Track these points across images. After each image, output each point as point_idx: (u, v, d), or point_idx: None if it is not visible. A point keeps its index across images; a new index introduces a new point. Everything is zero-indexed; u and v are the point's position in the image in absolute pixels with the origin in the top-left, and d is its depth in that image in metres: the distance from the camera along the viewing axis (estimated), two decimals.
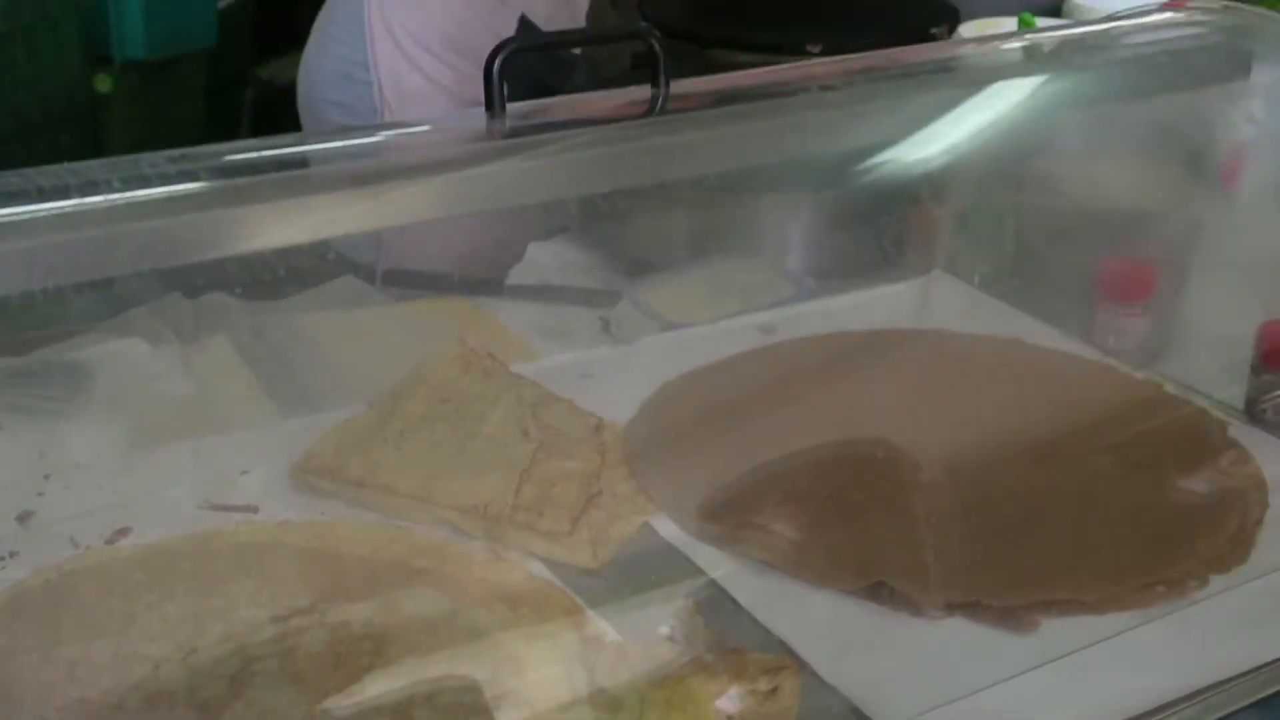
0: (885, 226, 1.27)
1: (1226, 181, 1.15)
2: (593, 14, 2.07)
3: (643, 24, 0.81)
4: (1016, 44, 1.09)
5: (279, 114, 3.55)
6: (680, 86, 0.84)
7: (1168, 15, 1.02)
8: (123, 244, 0.61)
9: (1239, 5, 1.00)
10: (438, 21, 1.79)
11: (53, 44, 3.17)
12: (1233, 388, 1.08)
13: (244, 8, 4.08)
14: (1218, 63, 0.99)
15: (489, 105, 0.78)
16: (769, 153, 0.81)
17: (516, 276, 1.30)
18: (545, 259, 1.32)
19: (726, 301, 1.26)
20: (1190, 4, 1.02)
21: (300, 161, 0.72)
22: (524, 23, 1.84)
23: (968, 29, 1.79)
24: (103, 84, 3.31)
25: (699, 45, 1.87)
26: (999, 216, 1.26)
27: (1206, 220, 1.18)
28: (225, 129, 3.98)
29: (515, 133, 0.76)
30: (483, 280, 1.29)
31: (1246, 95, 1.00)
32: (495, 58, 0.77)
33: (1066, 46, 1.02)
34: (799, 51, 1.81)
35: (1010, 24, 1.80)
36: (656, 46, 0.81)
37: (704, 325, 1.20)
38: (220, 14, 3.76)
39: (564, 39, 0.84)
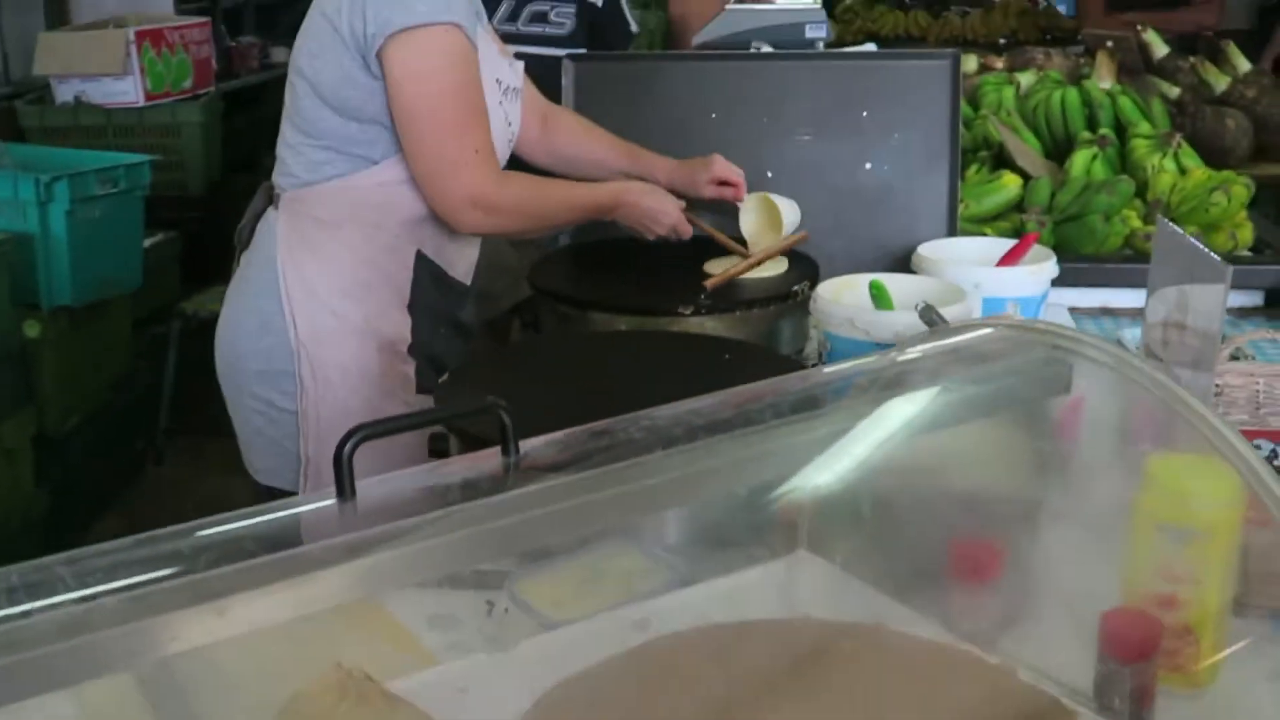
0: (752, 509, 1.24)
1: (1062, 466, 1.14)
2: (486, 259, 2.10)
3: (489, 398, 0.77)
4: (870, 368, 1.07)
5: (204, 346, 3.52)
6: (532, 449, 0.80)
7: (996, 333, 1.01)
8: None
9: (1058, 328, 1.00)
10: (346, 266, 1.81)
11: None
12: (1085, 672, 1.04)
13: (170, 243, 4.06)
14: (1044, 380, 0.98)
15: (340, 491, 0.73)
16: (618, 517, 0.77)
17: None
18: None
19: (602, 592, 1.21)
20: (1012, 323, 1.02)
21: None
22: (420, 257, 1.85)
23: (825, 287, 1.80)
24: (31, 329, 3.25)
25: (580, 309, 1.86)
26: (857, 500, 1.23)
27: (1050, 504, 1.16)
28: (153, 361, 3.92)
29: (365, 520, 0.71)
30: None
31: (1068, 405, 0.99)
32: (346, 443, 0.73)
33: (914, 369, 1.00)
34: (672, 313, 1.80)
35: (865, 280, 1.82)
36: (505, 419, 0.77)
37: (580, 623, 1.15)
38: (146, 251, 3.74)
39: (415, 421, 0.79)
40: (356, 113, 1.76)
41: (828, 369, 1.08)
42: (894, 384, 1.03)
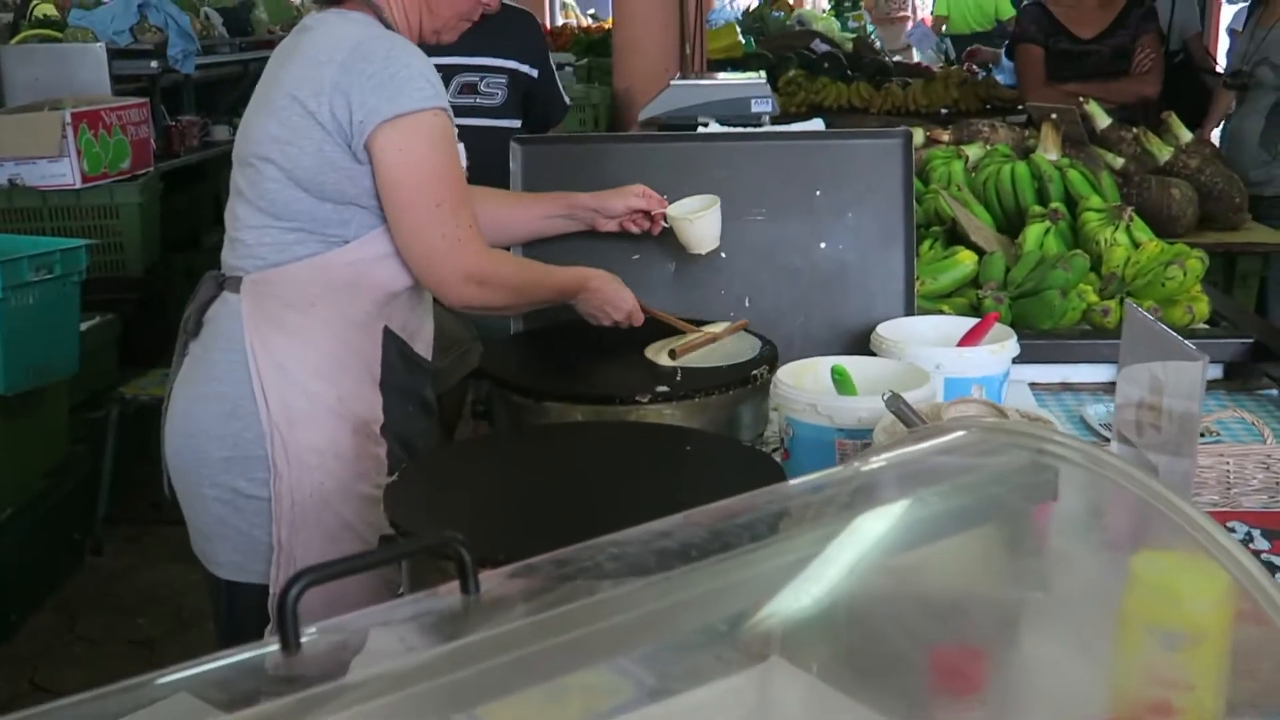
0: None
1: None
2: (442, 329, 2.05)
3: (446, 534, 0.71)
4: (845, 478, 1.01)
5: (144, 429, 3.41)
6: (492, 584, 0.73)
7: (975, 436, 0.96)
8: None
9: (1041, 430, 0.95)
10: (318, 344, 1.78)
11: None
12: None
13: (108, 326, 3.97)
14: (1030, 488, 0.93)
15: (284, 643, 0.67)
16: (586, 657, 0.70)
17: None
18: None
19: (566, 712, 1.14)
20: (991, 426, 0.97)
21: None
22: (388, 333, 1.83)
23: (786, 372, 1.76)
24: None
25: (535, 399, 1.81)
26: (834, 606, 1.17)
27: (1033, 609, 1.11)
28: (90, 447, 3.80)
29: (313, 673, 0.64)
30: None
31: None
32: (288, 591, 0.66)
33: (892, 479, 0.95)
34: (630, 401, 1.75)
35: (825, 364, 1.77)
36: (465, 555, 0.71)
37: None
38: (83, 334, 3.64)
39: (369, 562, 0.73)
40: (335, 196, 1.74)
41: (803, 480, 1.03)
42: (871, 497, 0.98)
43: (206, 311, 1.83)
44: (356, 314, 1.79)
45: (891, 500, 1.05)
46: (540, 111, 3.35)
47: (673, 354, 1.91)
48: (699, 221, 2.06)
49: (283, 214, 1.75)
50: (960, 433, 1.01)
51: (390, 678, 0.66)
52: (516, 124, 3.39)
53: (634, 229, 2.10)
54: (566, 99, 3.47)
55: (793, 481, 1.19)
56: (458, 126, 1.82)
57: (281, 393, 1.76)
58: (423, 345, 1.92)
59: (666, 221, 2.08)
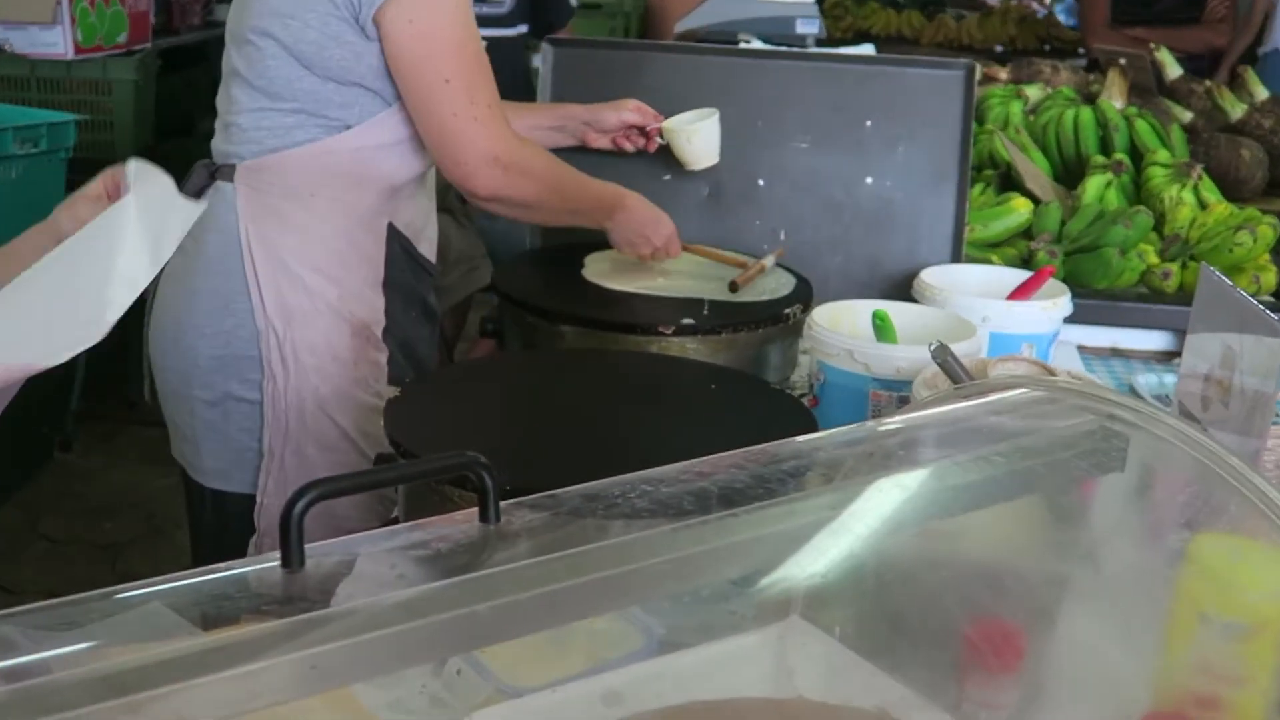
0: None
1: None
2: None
3: (468, 453, 0.69)
4: (895, 431, 0.98)
5: (125, 321, 3.39)
6: (513, 515, 0.71)
7: (1033, 395, 0.93)
8: None
9: (1111, 394, 0.92)
10: (318, 238, 1.76)
11: None
12: None
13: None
14: (1095, 455, 0.90)
15: (286, 560, 0.64)
16: (611, 600, 0.68)
17: None
18: None
19: (568, 657, 1.12)
20: (1055, 385, 0.94)
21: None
22: (392, 230, 1.81)
23: (821, 313, 1.73)
24: None
25: (550, 321, 1.78)
26: (862, 565, 1.15)
27: (1078, 585, 1.08)
28: None
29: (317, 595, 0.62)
30: None
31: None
32: (295, 504, 0.64)
33: (943, 435, 0.92)
34: (652, 332, 1.73)
35: (864, 307, 1.74)
36: (487, 480, 0.68)
37: (542, 693, 1.06)
38: None
39: (379, 479, 0.70)
40: (340, 74, 1.71)
41: (840, 431, 1.00)
42: (914, 454, 0.96)
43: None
44: (359, 207, 1.77)
45: (936, 459, 1.02)
46: (548, 18, 3.33)
47: (733, 286, 1.87)
48: (696, 135, 2.03)
49: (283, 93, 1.72)
50: (1018, 391, 0.98)
51: (395, 606, 0.64)
52: (524, 30, 3.36)
53: (628, 146, 2.08)
54: (573, 1, 3.45)
55: (830, 431, 1.16)
56: None
57: (278, 288, 1.74)
58: (426, 245, 1.89)
59: (662, 137, 2.05)
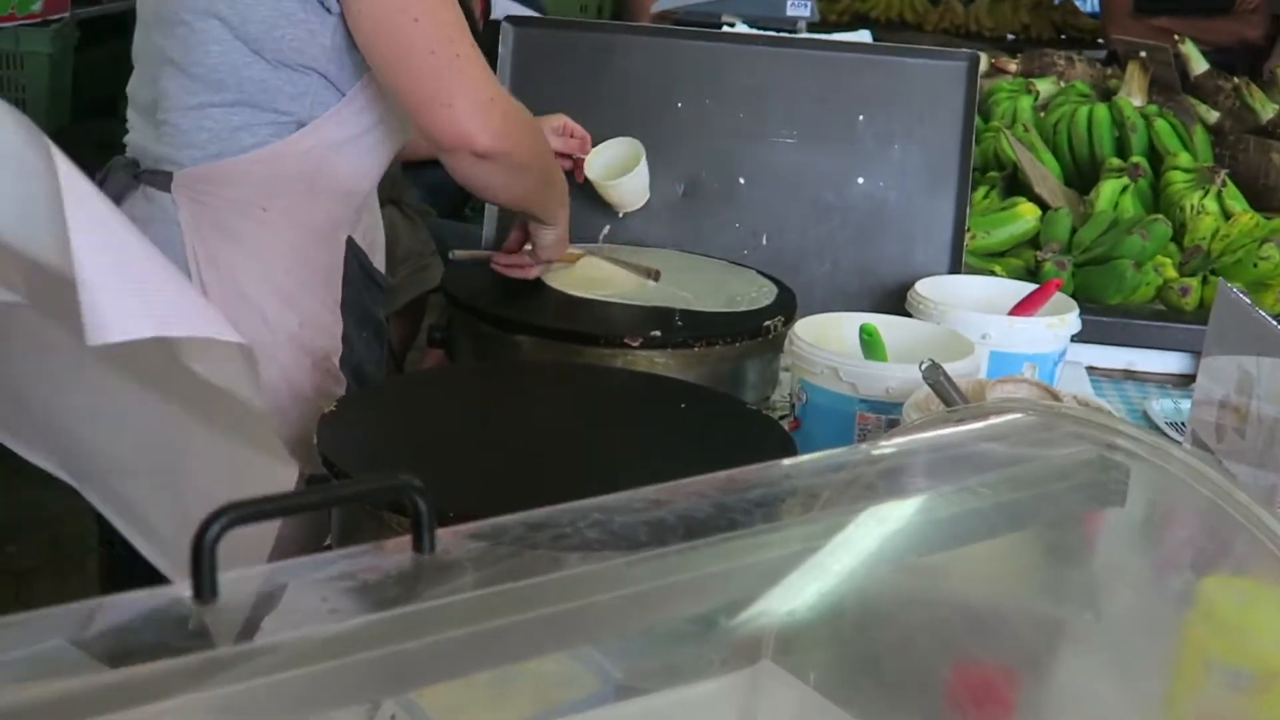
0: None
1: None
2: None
3: (402, 476, 0.70)
4: (876, 457, 1.00)
5: None
6: (449, 544, 0.72)
7: (1029, 421, 0.95)
8: None
9: (1113, 421, 0.94)
10: (276, 259, 1.72)
11: None
12: None
13: None
14: (1092, 488, 0.92)
15: (197, 589, 0.65)
16: (556, 639, 0.69)
17: None
18: None
19: (516, 701, 1.13)
20: (1051, 410, 0.96)
21: None
22: (351, 245, 1.80)
23: (804, 326, 1.74)
24: None
25: (505, 331, 1.79)
26: (838, 606, 1.16)
27: (1074, 628, 1.10)
28: None
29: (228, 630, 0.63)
30: None
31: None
32: (207, 530, 0.64)
33: (929, 462, 0.94)
34: (617, 344, 1.74)
35: (852, 321, 1.76)
36: (422, 505, 0.69)
37: None
38: None
39: (302, 502, 0.72)
40: (293, 58, 1.68)
41: (820, 456, 1.01)
42: (898, 483, 0.97)
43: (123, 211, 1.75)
44: (316, 219, 1.75)
45: (922, 489, 1.03)
46: None
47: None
48: (615, 190, 2.06)
49: (227, 83, 1.69)
50: (1013, 416, 1.00)
51: (319, 642, 0.65)
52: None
53: None
54: None
55: (808, 456, 1.18)
56: None
57: (234, 320, 1.67)
58: (379, 258, 1.89)
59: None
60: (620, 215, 2.12)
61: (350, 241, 1.79)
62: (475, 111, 1.67)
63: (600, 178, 2.06)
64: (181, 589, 0.67)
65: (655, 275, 1.94)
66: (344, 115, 1.73)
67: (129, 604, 0.69)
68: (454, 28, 1.69)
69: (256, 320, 1.70)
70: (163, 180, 1.72)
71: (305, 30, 1.68)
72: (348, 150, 1.75)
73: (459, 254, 2.04)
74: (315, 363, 1.75)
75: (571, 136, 2.06)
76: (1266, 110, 3.21)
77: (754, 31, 3.04)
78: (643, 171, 2.07)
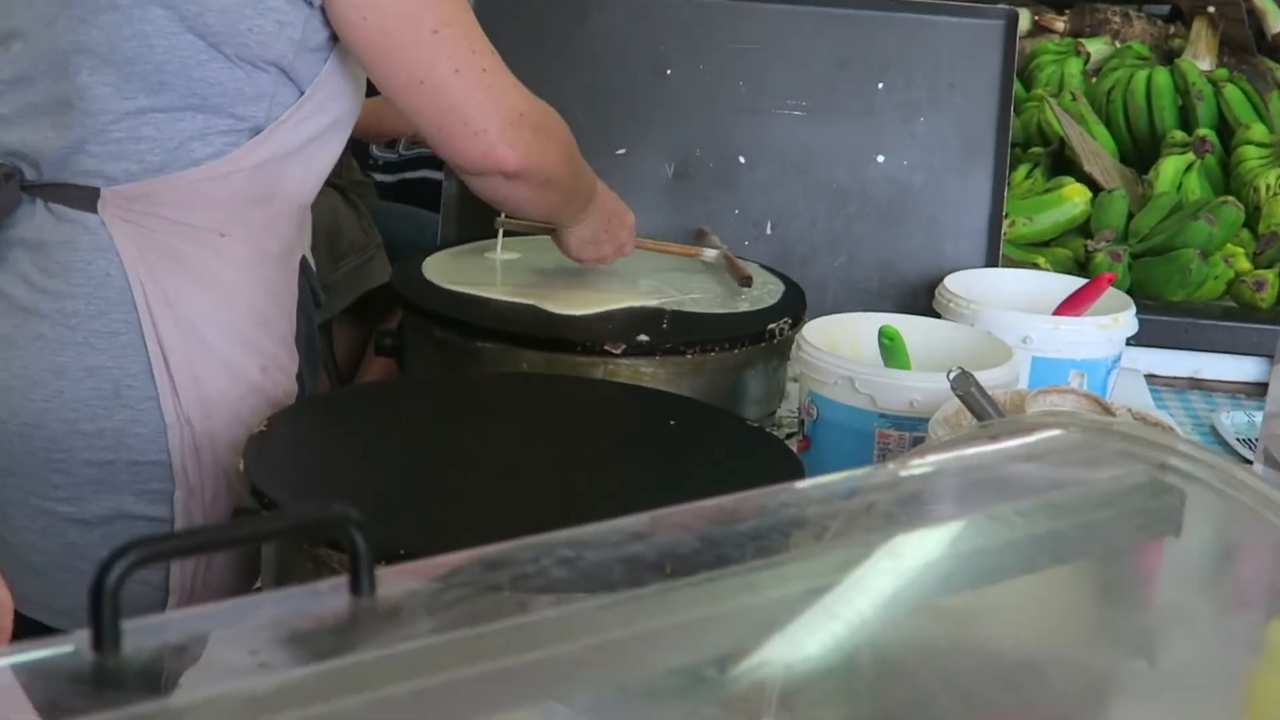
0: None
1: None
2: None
3: (336, 508, 0.70)
4: (890, 482, 1.01)
5: None
6: (393, 585, 0.73)
7: (1072, 438, 0.96)
8: None
9: (1168, 439, 0.95)
10: (237, 294, 1.69)
11: None
12: None
13: None
14: (1142, 515, 0.93)
15: (96, 640, 0.66)
16: (514, 697, 0.70)
17: None
18: None
19: None
20: (1098, 427, 0.97)
21: None
22: (304, 267, 1.80)
23: (814, 329, 1.75)
24: None
25: (466, 337, 1.81)
26: (849, 658, 1.18)
27: (1124, 676, 1.11)
28: None
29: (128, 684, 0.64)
30: None
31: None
32: (108, 571, 0.65)
33: (954, 488, 0.95)
34: (596, 352, 1.75)
35: (871, 323, 1.77)
36: (360, 541, 0.70)
37: None
38: None
39: (221, 538, 0.72)
40: (256, 53, 1.63)
41: (828, 480, 1.02)
42: (920, 511, 0.98)
43: (5, 230, 1.67)
44: (272, 242, 1.72)
45: (947, 519, 1.04)
46: None
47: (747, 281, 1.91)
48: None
49: (174, 83, 1.63)
50: (1053, 432, 1.01)
51: (236, 700, 0.66)
52: None
53: None
54: None
55: (815, 481, 1.19)
56: None
57: (193, 368, 1.65)
58: (315, 276, 1.88)
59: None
60: None
61: (304, 263, 1.79)
62: (508, 133, 1.69)
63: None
64: (77, 638, 0.68)
65: (747, 281, 1.95)
66: (297, 117, 1.69)
67: (12, 656, 0.69)
68: (476, 36, 1.70)
69: (218, 369, 1.66)
70: (83, 198, 1.64)
71: (273, 21, 1.63)
72: (296, 159, 1.72)
73: (504, 220, 2.00)
74: (275, 410, 1.68)
75: None
76: None
77: None
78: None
